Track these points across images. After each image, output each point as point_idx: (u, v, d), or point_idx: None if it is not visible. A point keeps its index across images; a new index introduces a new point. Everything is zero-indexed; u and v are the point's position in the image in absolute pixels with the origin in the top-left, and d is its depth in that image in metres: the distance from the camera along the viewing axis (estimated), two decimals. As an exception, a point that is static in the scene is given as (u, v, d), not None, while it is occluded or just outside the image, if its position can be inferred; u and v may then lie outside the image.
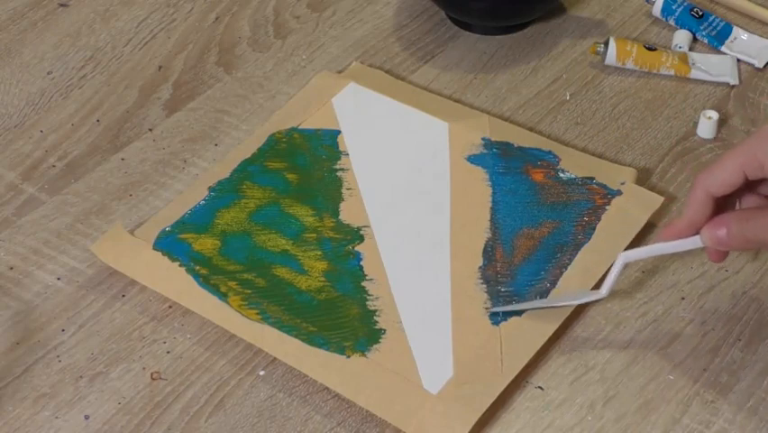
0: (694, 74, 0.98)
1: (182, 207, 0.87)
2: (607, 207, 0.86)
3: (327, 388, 0.77)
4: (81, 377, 0.78)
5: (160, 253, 0.84)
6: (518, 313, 0.80)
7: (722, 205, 0.74)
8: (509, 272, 0.82)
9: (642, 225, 0.85)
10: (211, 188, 0.89)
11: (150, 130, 0.96)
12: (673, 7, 1.03)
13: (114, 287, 0.84)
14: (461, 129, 0.93)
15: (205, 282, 0.82)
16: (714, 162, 0.72)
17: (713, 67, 0.99)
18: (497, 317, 0.79)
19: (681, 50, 1.01)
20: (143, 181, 0.91)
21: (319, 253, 0.84)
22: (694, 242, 0.74)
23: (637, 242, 0.85)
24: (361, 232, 0.86)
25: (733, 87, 0.98)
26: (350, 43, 1.03)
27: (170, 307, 0.82)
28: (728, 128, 0.95)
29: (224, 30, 1.05)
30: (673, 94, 0.98)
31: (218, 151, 0.94)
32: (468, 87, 0.99)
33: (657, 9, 1.04)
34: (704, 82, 0.99)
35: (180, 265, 0.83)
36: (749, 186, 0.73)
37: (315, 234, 0.85)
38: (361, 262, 0.83)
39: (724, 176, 0.71)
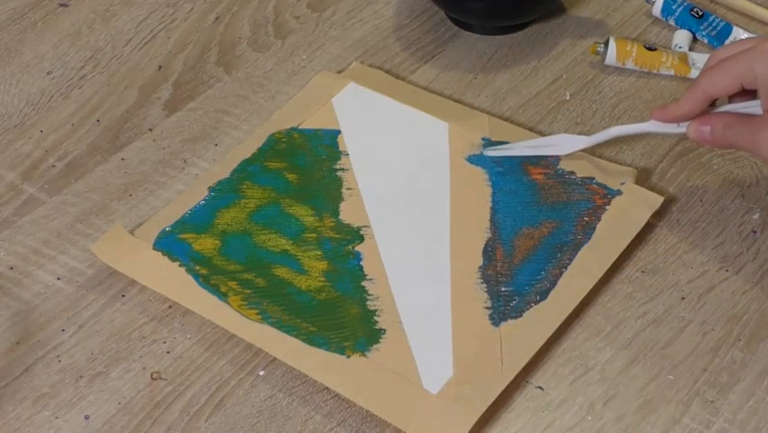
0: (694, 74, 0.99)
1: (182, 207, 0.87)
2: (607, 207, 0.86)
3: (327, 388, 0.77)
4: (81, 377, 0.78)
5: (159, 253, 0.84)
6: (518, 314, 0.80)
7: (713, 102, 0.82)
8: (509, 272, 0.82)
9: (642, 225, 0.85)
10: (211, 188, 0.89)
11: (150, 130, 0.96)
12: (673, 7, 1.03)
13: (114, 287, 0.84)
14: (461, 129, 0.93)
15: (205, 282, 0.82)
16: (716, 67, 0.80)
17: None
18: (497, 318, 0.79)
19: (681, 50, 1.01)
20: (143, 181, 0.91)
21: (319, 252, 0.84)
22: (679, 129, 0.83)
23: (638, 242, 0.85)
24: (361, 232, 0.86)
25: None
26: (350, 43, 1.03)
27: (170, 307, 0.82)
28: (728, 128, 0.95)
29: (224, 30, 1.05)
30: (673, 94, 0.98)
31: (218, 151, 0.94)
32: (468, 87, 0.99)
33: (657, 9, 1.04)
34: (704, 82, 0.99)
35: (180, 265, 0.83)
36: (742, 92, 0.80)
37: (315, 234, 0.85)
38: (361, 262, 0.83)
39: (723, 83, 0.79)
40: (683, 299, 0.82)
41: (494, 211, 0.87)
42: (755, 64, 0.77)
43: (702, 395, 0.77)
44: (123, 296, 0.83)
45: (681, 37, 1.02)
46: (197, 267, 0.83)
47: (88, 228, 0.88)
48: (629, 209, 0.86)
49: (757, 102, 0.79)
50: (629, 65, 0.99)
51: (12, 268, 0.85)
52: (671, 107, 0.83)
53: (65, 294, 0.83)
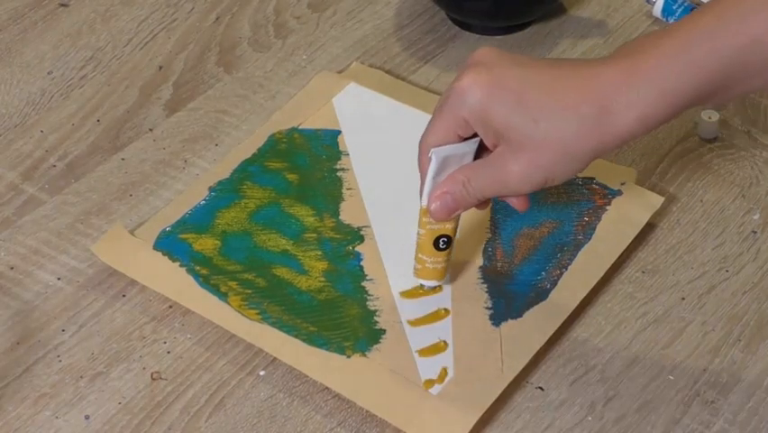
0: None
1: (182, 207, 0.87)
2: (607, 208, 0.86)
3: (327, 388, 0.77)
4: (81, 377, 0.78)
5: (160, 254, 0.84)
6: (518, 314, 0.80)
7: None
8: (509, 272, 0.82)
9: (642, 225, 0.85)
10: (211, 189, 0.89)
11: (151, 130, 0.96)
12: (674, 7, 1.03)
13: (114, 287, 0.84)
14: (462, 129, 0.93)
15: (205, 282, 0.82)
16: (428, 126, 0.74)
17: None
18: (497, 318, 0.79)
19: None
20: (143, 181, 0.91)
21: (319, 253, 0.84)
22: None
23: (638, 242, 0.85)
24: (362, 232, 0.86)
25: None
26: (350, 43, 1.03)
27: (170, 307, 0.82)
28: (729, 128, 0.95)
29: (224, 30, 1.05)
30: (674, 94, 0.98)
31: (218, 151, 0.94)
32: (468, 88, 0.99)
33: (657, 9, 1.04)
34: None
35: (181, 265, 0.83)
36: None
37: (315, 235, 0.85)
38: (362, 263, 0.83)
39: (439, 140, 0.74)
40: (683, 299, 0.82)
41: (494, 211, 0.87)
42: (459, 111, 0.71)
43: (702, 395, 0.77)
44: (124, 296, 0.83)
45: (682, 37, 1.02)
46: (198, 267, 0.83)
47: (88, 228, 0.88)
48: (629, 209, 0.86)
49: (473, 140, 0.74)
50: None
51: (12, 268, 0.85)
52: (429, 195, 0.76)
53: (65, 294, 0.83)
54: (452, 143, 0.73)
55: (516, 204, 0.76)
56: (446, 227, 0.77)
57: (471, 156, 0.74)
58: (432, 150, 0.74)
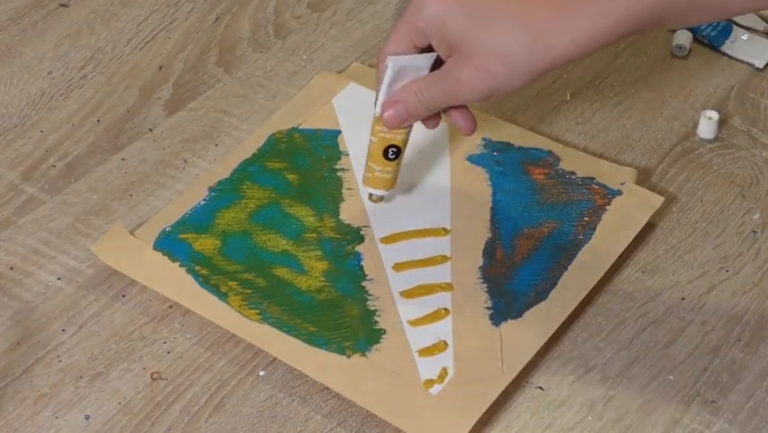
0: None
1: (182, 207, 0.87)
2: (607, 208, 0.86)
3: (327, 388, 0.77)
4: (81, 377, 0.78)
5: (160, 254, 0.84)
6: (519, 314, 0.80)
7: None
8: (509, 272, 0.82)
9: (642, 225, 0.85)
10: (211, 189, 0.89)
11: (151, 130, 0.96)
12: (674, 7, 1.03)
13: (114, 287, 0.84)
14: (462, 129, 0.93)
15: (205, 282, 0.82)
16: (388, 37, 0.79)
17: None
18: (497, 318, 0.79)
19: (682, 49, 1.01)
20: (143, 181, 0.91)
21: (319, 253, 0.84)
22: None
23: (638, 242, 0.85)
24: (362, 232, 0.86)
25: (732, 87, 0.98)
26: (350, 43, 1.03)
27: (170, 307, 0.82)
28: (729, 128, 0.95)
29: (224, 30, 1.05)
30: (673, 94, 0.98)
31: (218, 151, 0.94)
32: (468, 88, 0.99)
33: (657, 9, 1.04)
34: (704, 82, 0.99)
35: (180, 265, 0.83)
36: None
37: (315, 235, 0.85)
38: (362, 263, 0.83)
39: (397, 49, 0.78)
40: (683, 299, 0.82)
41: (494, 211, 0.87)
42: (416, 21, 0.76)
43: (702, 395, 0.77)
44: (124, 296, 0.83)
45: (682, 37, 1.02)
46: (198, 267, 0.83)
47: (88, 228, 0.88)
48: (629, 209, 0.86)
49: (430, 54, 0.78)
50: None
51: (12, 268, 0.85)
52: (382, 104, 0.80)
53: (65, 294, 0.83)
54: (409, 53, 0.77)
55: (463, 125, 0.81)
56: (397, 138, 0.81)
57: (427, 71, 0.79)
58: (389, 58, 0.78)
